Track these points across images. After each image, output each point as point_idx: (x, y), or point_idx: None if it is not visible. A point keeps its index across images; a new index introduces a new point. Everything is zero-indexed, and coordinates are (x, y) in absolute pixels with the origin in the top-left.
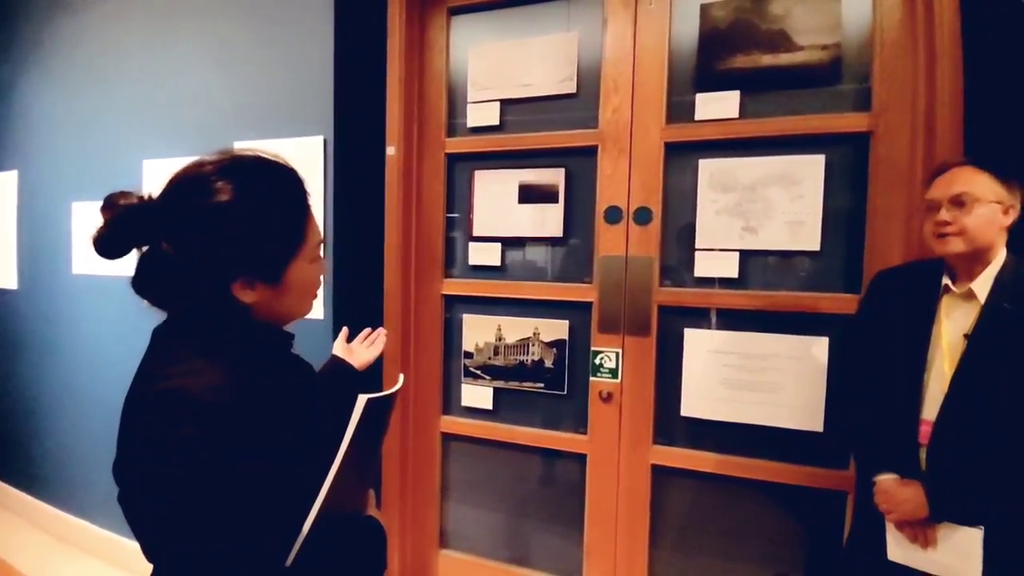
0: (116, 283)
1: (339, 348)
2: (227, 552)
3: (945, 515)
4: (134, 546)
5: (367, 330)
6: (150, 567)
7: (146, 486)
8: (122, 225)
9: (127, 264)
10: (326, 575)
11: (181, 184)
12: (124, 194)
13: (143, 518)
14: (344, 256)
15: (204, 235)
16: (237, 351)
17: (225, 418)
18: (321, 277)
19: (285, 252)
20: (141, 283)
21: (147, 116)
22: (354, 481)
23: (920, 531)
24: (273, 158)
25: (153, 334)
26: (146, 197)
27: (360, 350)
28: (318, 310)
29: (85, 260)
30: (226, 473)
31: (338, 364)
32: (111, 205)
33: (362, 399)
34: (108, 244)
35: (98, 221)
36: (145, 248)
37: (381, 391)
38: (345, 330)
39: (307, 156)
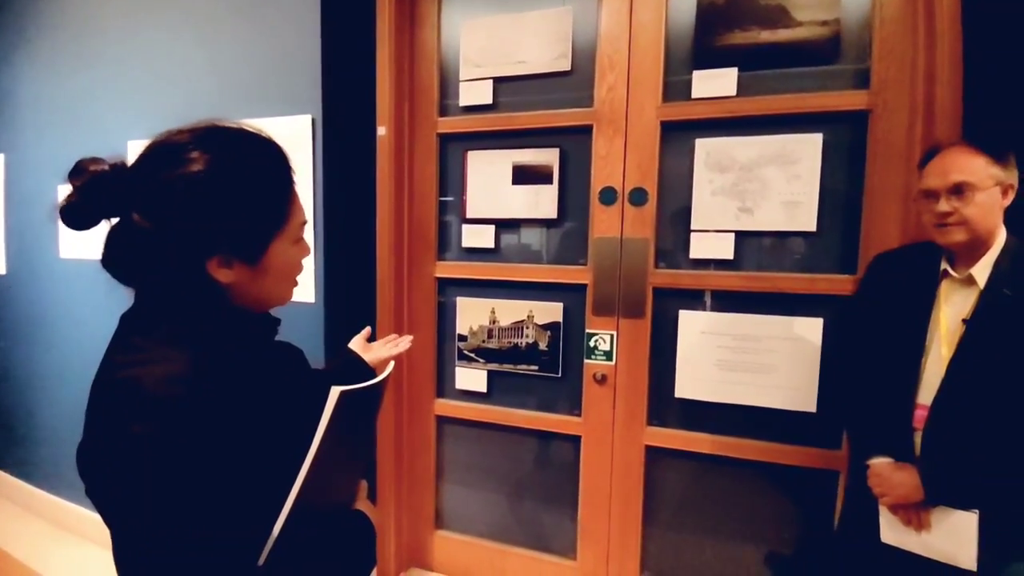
0: (98, 267)
1: (356, 344)
2: (191, 552)
3: (941, 499)
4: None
5: (394, 334)
6: None
7: (108, 484)
8: (91, 193)
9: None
10: (305, 572)
11: (156, 152)
12: (95, 160)
13: (109, 515)
14: (335, 239)
15: (180, 206)
16: (209, 338)
17: (180, 413)
18: (304, 261)
19: (267, 229)
20: (109, 257)
21: (132, 96)
22: (339, 475)
23: (914, 514)
24: (255, 131)
25: (120, 319)
26: (118, 164)
27: (378, 347)
28: (308, 293)
29: (73, 244)
30: (185, 471)
31: (349, 357)
32: (80, 171)
33: (335, 392)
34: (75, 213)
35: (67, 189)
36: (115, 220)
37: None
38: (367, 329)
39: (295, 136)
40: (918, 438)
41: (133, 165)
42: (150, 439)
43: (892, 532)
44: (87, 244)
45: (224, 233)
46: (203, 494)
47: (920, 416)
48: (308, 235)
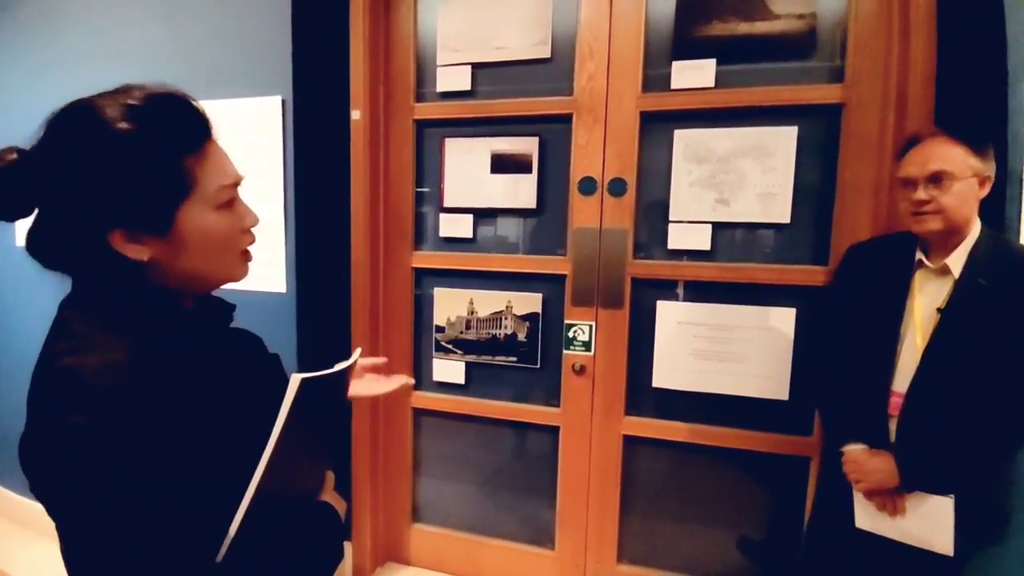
0: None
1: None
2: (141, 551)
3: (917, 484)
4: None
5: (384, 359)
6: None
7: (48, 479)
8: (4, 183)
9: None
10: (267, 568)
11: (50, 127)
12: (8, 150)
13: (53, 512)
14: (307, 226)
15: (64, 180)
16: (143, 322)
17: (121, 402)
18: (273, 248)
19: (167, 195)
20: (30, 244)
21: (91, 73)
22: (302, 465)
23: (890, 500)
24: (160, 90)
25: (59, 306)
26: (31, 150)
27: (369, 381)
28: (279, 283)
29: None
30: (127, 464)
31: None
32: None
33: (295, 379)
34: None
35: None
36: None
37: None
38: (384, 360)
39: (264, 117)
40: (893, 425)
41: (35, 147)
42: (88, 430)
43: (867, 518)
44: None
45: (114, 203)
46: (148, 487)
47: (895, 403)
48: (277, 220)
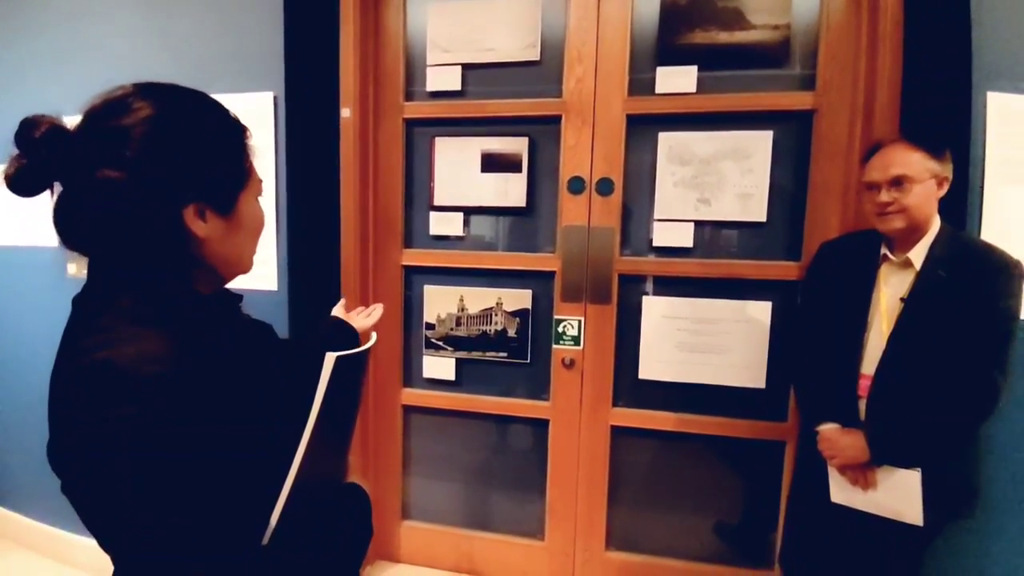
0: (39, 254)
1: (338, 311)
2: (193, 539)
3: (885, 459)
4: (70, 538)
5: (361, 307)
6: (88, 558)
7: (90, 477)
8: (46, 153)
9: (50, 233)
10: (309, 549)
11: (103, 107)
12: (43, 118)
13: (92, 511)
14: (299, 224)
15: (151, 151)
16: (174, 312)
17: (167, 390)
18: (266, 246)
19: (236, 178)
20: (67, 224)
21: (70, 68)
22: (333, 447)
23: (861, 474)
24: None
25: (73, 303)
26: (61, 123)
27: (356, 319)
28: (271, 281)
29: (6, 229)
30: (178, 453)
31: (339, 322)
32: (29, 130)
33: (331, 357)
34: (26, 178)
35: (11, 150)
36: (67, 183)
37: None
38: (343, 300)
39: (255, 114)
40: (862, 405)
41: (81, 123)
42: (130, 423)
43: (841, 492)
44: (19, 230)
45: (198, 178)
46: (194, 478)
47: (864, 385)
48: (269, 217)
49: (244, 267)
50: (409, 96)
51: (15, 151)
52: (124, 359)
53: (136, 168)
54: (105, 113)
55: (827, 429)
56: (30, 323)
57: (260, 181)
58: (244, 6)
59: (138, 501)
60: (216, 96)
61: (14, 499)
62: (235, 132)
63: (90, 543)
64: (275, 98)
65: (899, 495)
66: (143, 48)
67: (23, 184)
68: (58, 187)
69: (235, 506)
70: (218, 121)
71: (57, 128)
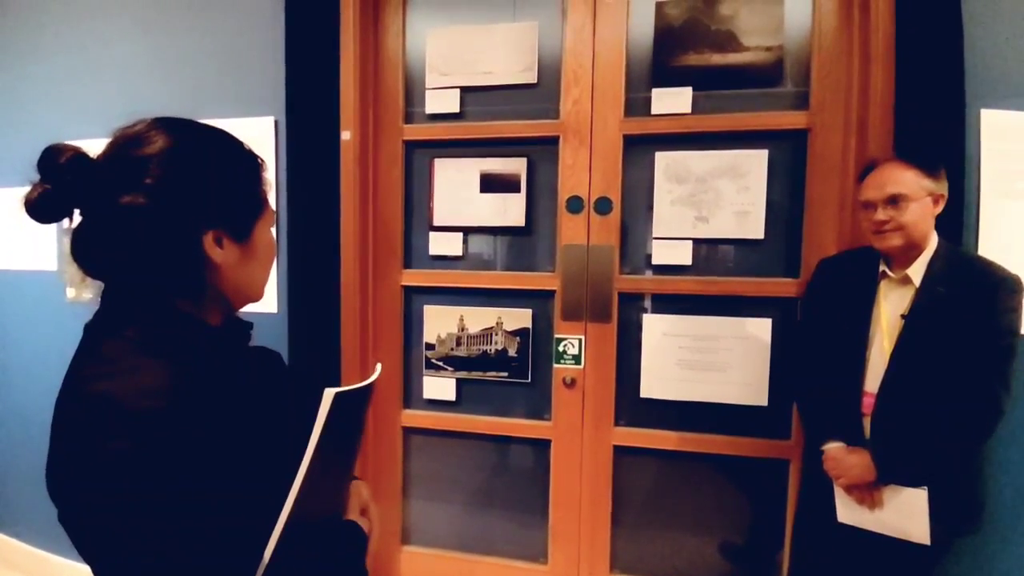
0: (37, 278)
1: None
2: (184, 572)
3: (891, 478)
4: (66, 564)
5: None
6: None
7: (83, 507)
8: (70, 181)
9: (49, 257)
10: None
11: (122, 139)
12: (67, 147)
13: (85, 540)
14: (299, 246)
15: (171, 178)
16: (181, 342)
17: (162, 426)
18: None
19: (253, 206)
20: (84, 250)
21: (69, 92)
22: (330, 483)
23: (868, 494)
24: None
25: (85, 329)
26: (82, 152)
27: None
28: (271, 303)
29: (5, 253)
30: (171, 487)
31: None
32: (53, 158)
33: (329, 394)
34: (48, 204)
35: (33, 177)
36: (85, 211)
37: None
38: None
39: (255, 139)
40: (867, 423)
41: (104, 151)
42: (129, 457)
43: (848, 512)
44: (19, 253)
45: (217, 204)
46: (190, 512)
47: (868, 403)
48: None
49: (256, 295)
50: (408, 118)
51: (37, 177)
52: (122, 392)
53: (157, 193)
54: (126, 144)
55: (833, 448)
56: (29, 347)
57: (273, 212)
58: (244, 31)
59: (129, 533)
60: (217, 122)
61: (11, 525)
62: (251, 161)
63: (86, 571)
64: (276, 122)
65: (906, 514)
66: (143, 74)
67: (44, 210)
68: (77, 216)
69: (229, 540)
70: (234, 151)
71: (81, 156)
